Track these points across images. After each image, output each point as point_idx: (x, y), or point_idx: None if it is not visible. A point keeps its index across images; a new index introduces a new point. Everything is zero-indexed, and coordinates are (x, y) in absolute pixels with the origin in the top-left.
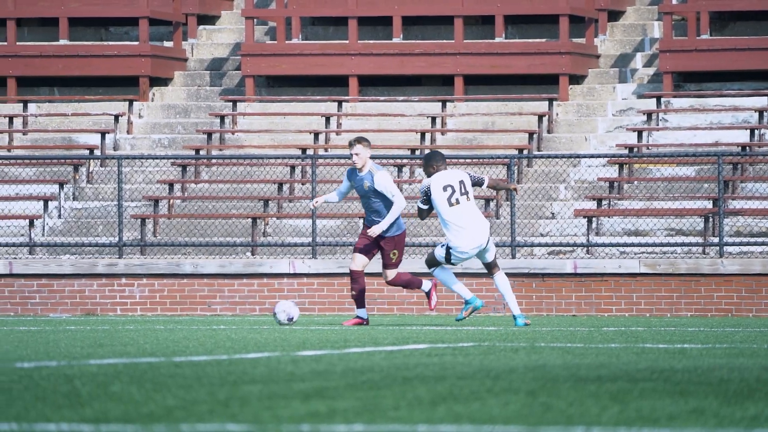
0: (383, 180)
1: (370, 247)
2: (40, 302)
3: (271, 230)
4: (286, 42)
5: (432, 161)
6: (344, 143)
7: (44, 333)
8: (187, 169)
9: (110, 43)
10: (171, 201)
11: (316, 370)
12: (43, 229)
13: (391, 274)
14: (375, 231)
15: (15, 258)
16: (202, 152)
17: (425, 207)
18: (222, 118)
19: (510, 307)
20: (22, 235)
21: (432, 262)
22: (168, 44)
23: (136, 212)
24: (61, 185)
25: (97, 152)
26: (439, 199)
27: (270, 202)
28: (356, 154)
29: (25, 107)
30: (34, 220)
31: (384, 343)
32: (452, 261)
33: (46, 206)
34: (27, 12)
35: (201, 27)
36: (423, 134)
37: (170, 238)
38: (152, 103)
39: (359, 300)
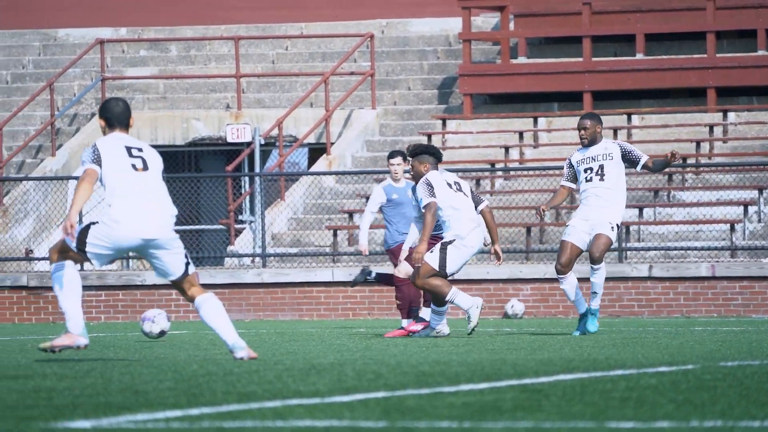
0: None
1: None
2: (741, 303)
3: None
4: None
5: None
6: None
7: (747, 333)
8: None
9: None
10: None
11: None
12: (744, 233)
13: None
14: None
15: (717, 261)
16: None
17: None
18: None
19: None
20: (724, 239)
21: None
22: None
23: None
24: (761, 190)
25: None
26: None
27: None
28: (398, 165)
29: (724, 116)
30: (735, 225)
31: None
32: None
33: (746, 211)
34: (726, 24)
35: None
36: None
37: None
38: None
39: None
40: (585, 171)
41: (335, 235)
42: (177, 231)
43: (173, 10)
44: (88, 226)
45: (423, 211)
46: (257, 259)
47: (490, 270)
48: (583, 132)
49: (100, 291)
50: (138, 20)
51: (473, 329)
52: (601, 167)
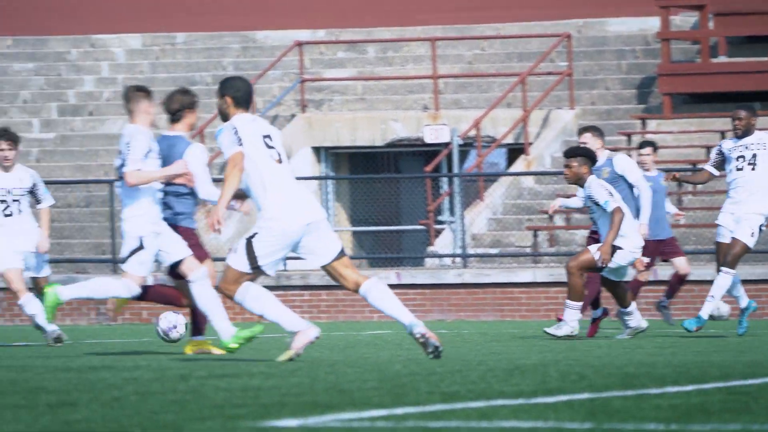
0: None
1: None
2: None
3: None
4: None
5: None
6: None
7: None
8: None
9: None
10: None
11: None
12: None
13: None
14: None
15: None
16: None
17: None
18: None
19: None
20: None
21: None
22: None
23: None
24: None
25: None
26: None
27: None
28: (647, 155)
29: None
30: None
31: None
32: None
33: None
34: None
35: None
36: None
37: None
38: None
39: None
40: (737, 159)
41: (535, 235)
42: (377, 232)
43: (370, 11)
44: (250, 244)
45: (611, 212)
46: (457, 259)
47: (695, 271)
48: (737, 122)
49: (304, 291)
50: (335, 22)
51: (555, 336)
52: (754, 156)
